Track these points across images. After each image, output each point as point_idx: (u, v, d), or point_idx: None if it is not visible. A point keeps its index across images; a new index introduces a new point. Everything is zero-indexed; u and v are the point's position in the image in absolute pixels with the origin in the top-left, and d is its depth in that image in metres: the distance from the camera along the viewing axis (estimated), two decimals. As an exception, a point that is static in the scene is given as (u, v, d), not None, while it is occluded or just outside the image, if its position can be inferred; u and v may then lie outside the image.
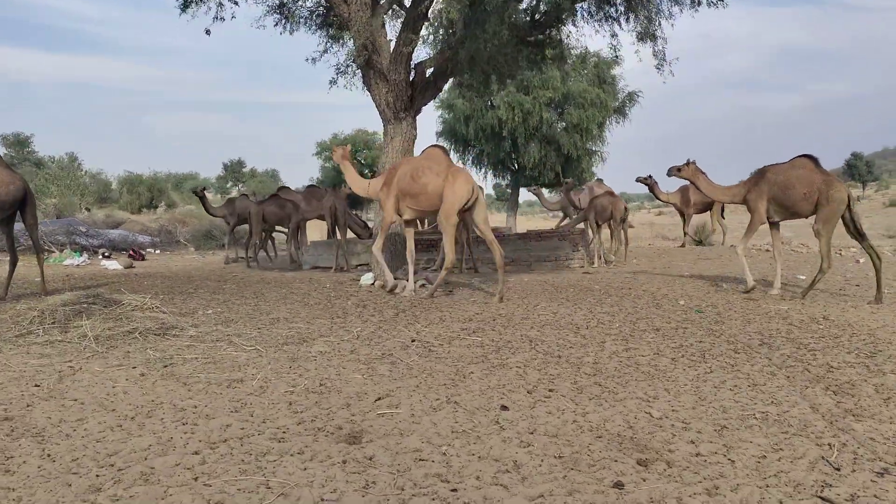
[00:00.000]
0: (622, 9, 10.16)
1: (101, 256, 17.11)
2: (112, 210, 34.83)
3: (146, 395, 4.34)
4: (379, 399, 4.25)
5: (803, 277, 10.43)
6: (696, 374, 4.91)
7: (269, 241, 16.04)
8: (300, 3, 11.41)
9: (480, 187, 9.36)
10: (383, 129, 10.59)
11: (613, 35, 10.30)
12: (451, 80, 11.49)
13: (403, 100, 10.23)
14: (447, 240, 8.67)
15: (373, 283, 10.35)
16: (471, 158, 32.55)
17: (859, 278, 10.39)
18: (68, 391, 4.40)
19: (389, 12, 10.95)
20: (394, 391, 4.43)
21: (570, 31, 10.58)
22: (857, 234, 8.57)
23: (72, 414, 3.94)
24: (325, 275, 12.37)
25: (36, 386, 4.51)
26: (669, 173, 9.93)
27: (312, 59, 11.60)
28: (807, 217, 8.88)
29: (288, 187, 16.36)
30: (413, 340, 5.96)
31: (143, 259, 16.79)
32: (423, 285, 10.00)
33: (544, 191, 28.03)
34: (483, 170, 32.52)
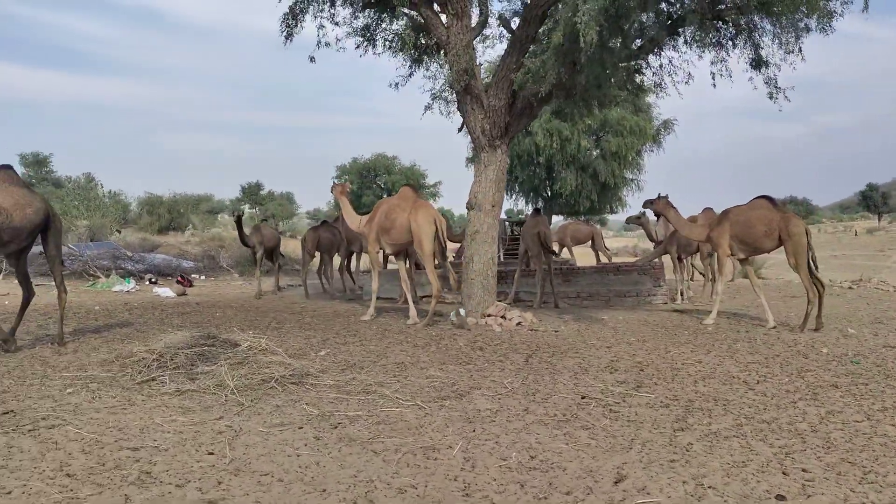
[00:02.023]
0: (731, 34, 9.65)
1: (147, 282, 16.57)
2: (132, 231, 34.32)
3: (344, 468, 3.76)
4: (618, 481, 3.66)
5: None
6: (942, 447, 4.30)
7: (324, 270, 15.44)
8: (385, 25, 10.92)
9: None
10: (476, 157, 10.09)
11: (721, 61, 9.76)
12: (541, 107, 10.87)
13: (500, 126, 9.74)
14: (427, 269, 9.52)
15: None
16: (501, 185, 32.00)
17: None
18: (251, 461, 3.82)
19: (480, 36, 10.47)
20: (623, 468, 3.83)
21: (671, 57, 10.04)
22: (812, 265, 9.23)
23: (280, 496, 3.36)
24: (399, 308, 11.80)
25: (210, 454, 3.93)
26: (644, 206, 10.97)
27: (396, 83, 11.12)
28: (769, 252, 9.80)
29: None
30: (583, 397, 5.36)
31: (192, 286, 16.23)
32: (519, 324, 9.42)
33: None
34: (514, 197, 31.99)
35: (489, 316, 9.65)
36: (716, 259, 10.23)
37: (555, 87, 9.01)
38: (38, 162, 59.14)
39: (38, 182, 57.59)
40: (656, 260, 13.41)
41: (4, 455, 3.85)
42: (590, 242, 20.64)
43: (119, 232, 27.32)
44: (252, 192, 62.16)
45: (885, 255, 42.22)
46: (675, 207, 10.34)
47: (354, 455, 3.96)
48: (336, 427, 4.47)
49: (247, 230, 14.49)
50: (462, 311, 9.95)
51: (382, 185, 55.40)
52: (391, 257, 13.88)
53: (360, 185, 53.99)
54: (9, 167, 7.15)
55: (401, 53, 11.24)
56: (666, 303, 12.45)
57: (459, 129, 11.07)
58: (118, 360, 6.34)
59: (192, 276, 17.88)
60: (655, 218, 14.86)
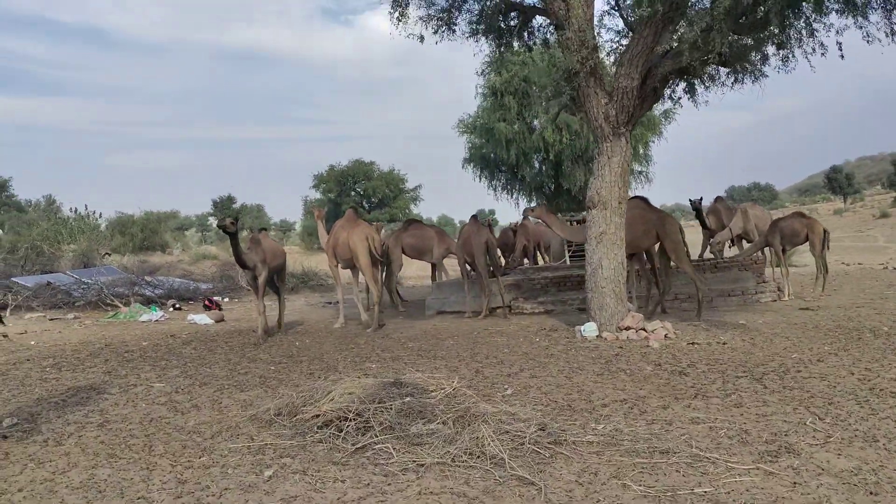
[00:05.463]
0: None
1: (171, 308, 14.95)
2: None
3: None
4: None
5: None
6: None
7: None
8: (468, 6, 9.62)
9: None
10: (598, 147, 8.83)
11: (860, 27, 8.60)
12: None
13: (628, 111, 8.52)
14: (367, 277, 10.58)
15: (599, 335, 8.52)
16: (500, 185, 30.75)
17: None
18: None
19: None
20: None
21: (800, 27, 8.86)
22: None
23: None
24: (498, 322, 10.51)
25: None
26: (525, 213, 11.36)
27: (482, 71, 9.87)
28: (646, 249, 10.22)
29: (419, 221, 14.71)
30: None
31: (221, 309, 14.65)
32: (666, 336, 8.20)
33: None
34: (514, 196, 30.73)
35: (628, 329, 8.42)
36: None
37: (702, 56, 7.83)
38: (-3, 187, 56.03)
39: (-1, 207, 54.79)
40: (758, 254, 12.34)
41: None
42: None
43: (108, 255, 25.37)
44: (224, 206, 59.87)
45: (868, 235, 42.03)
46: (554, 213, 10.57)
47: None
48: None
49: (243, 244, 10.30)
50: (589, 327, 8.72)
51: (362, 192, 53.87)
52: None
53: (339, 192, 52.36)
54: None
55: (484, 38, 9.97)
56: (775, 300, 11.37)
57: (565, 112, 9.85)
58: (284, 420, 4.96)
59: (215, 298, 16.25)
60: (737, 212, 13.77)
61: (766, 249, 12.77)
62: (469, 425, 4.43)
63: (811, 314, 9.64)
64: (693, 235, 24.66)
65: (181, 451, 4.50)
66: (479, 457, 4.00)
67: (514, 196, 31.20)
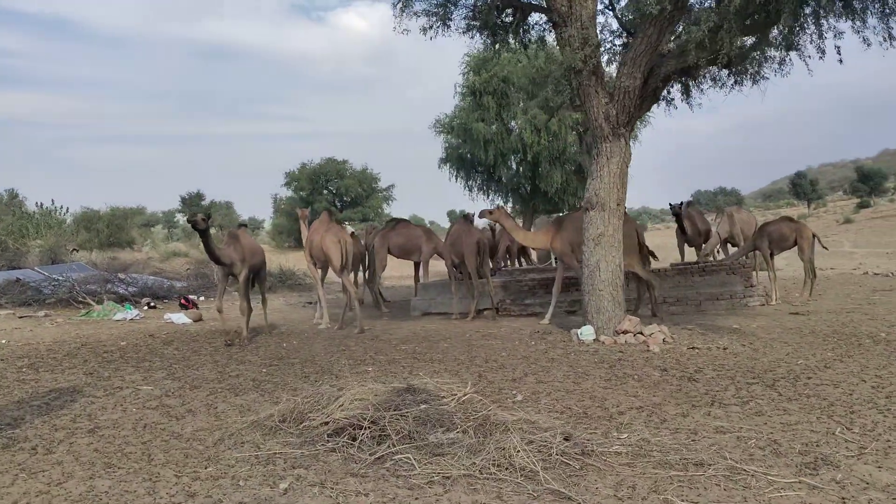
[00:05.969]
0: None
1: (146, 307, 14.51)
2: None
3: None
4: None
5: None
6: None
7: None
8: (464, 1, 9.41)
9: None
10: (596, 148, 8.70)
11: (857, 32, 8.56)
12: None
13: (629, 111, 8.39)
14: (344, 280, 10.69)
15: (596, 339, 8.39)
16: (476, 185, 30.59)
17: None
18: None
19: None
20: None
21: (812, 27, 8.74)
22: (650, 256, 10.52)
23: None
24: (488, 325, 10.33)
25: None
26: (481, 215, 11.00)
27: (469, 70, 9.67)
28: None
29: (406, 220, 14.37)
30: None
31: (198, 308, 14.26)
32: (664, 340, 8.09)
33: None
34: (491, 196, 30.61)
35: (625, 333, 8.29)
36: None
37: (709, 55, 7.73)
38: (-46, 179, 54.43)
39: (-43, 201, 53.09)
40: (744, 258, 12.31)
41: None
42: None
43: (76, 251, 24.67)
44: (193, 203, 58.82)
45: (834, 240, 42.50)
46: (511, 217, 10.66)
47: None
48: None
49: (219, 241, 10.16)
50: (586, 330, 8.58)
51: (334, 191, 53.32)
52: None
53: (311, 191, 51.79)
54: None
55: (479, 33, 9.78)
56: (763, 305, 11.34)
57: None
58: (290, 427, 4.71)
59: (191, 297, 15.81)
60: (723, 214, 13.79)
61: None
62: (491, 434, 4.23)
63: (804, 319, 9.60)
64: (664, 239, 24.72)
65: (184, 460, 4.23)
66: (507, 469, 3.80)
67: (490, 197, 31.03)
